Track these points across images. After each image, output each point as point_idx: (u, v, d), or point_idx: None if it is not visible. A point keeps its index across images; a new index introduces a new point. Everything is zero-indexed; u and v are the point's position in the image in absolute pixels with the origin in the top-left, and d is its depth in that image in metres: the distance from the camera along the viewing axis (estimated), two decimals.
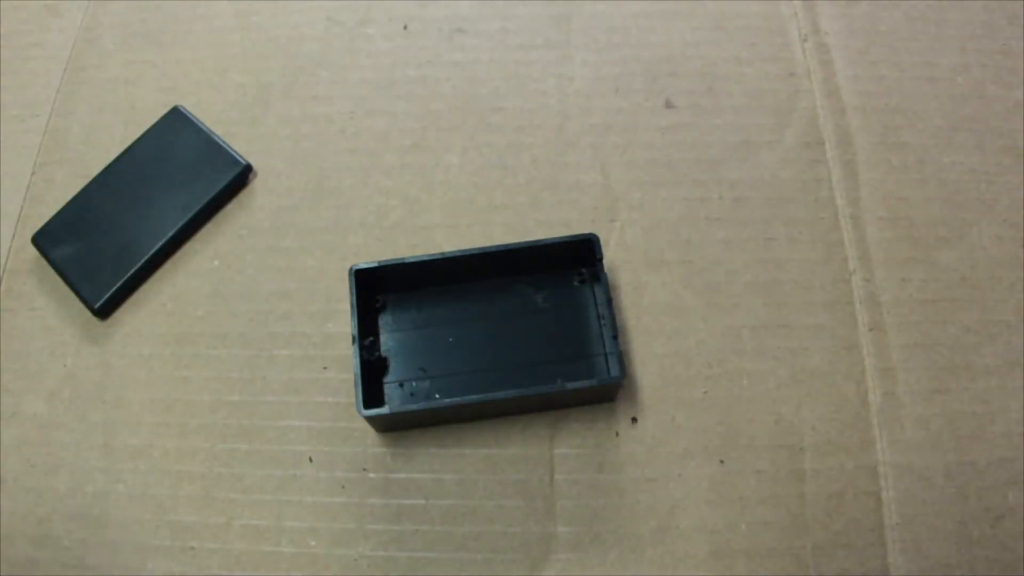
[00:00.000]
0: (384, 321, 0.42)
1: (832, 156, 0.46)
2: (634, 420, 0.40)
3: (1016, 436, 0.39)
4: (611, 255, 0.43)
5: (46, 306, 0.44)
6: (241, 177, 0.46)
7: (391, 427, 0.40)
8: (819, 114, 0.47)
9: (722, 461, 0.39)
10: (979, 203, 0.44)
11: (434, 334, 0.41)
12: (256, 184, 0.47)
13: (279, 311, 0.43)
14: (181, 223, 0.45)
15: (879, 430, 0.39)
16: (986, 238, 0.43)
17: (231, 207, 0.46)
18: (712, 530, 0.38)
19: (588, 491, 0.39)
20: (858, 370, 0.41)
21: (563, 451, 0.39)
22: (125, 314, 0.44)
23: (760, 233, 0.44)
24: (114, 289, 0.43)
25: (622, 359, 0.37)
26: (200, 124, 0.47)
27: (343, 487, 0.39)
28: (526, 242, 0.40)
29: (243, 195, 0.47)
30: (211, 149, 0.47)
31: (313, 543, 0.38)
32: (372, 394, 0.38)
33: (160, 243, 0.44)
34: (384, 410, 0.36)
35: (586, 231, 0.40)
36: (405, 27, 0.51)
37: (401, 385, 0.40)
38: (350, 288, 0.39)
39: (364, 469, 0.39)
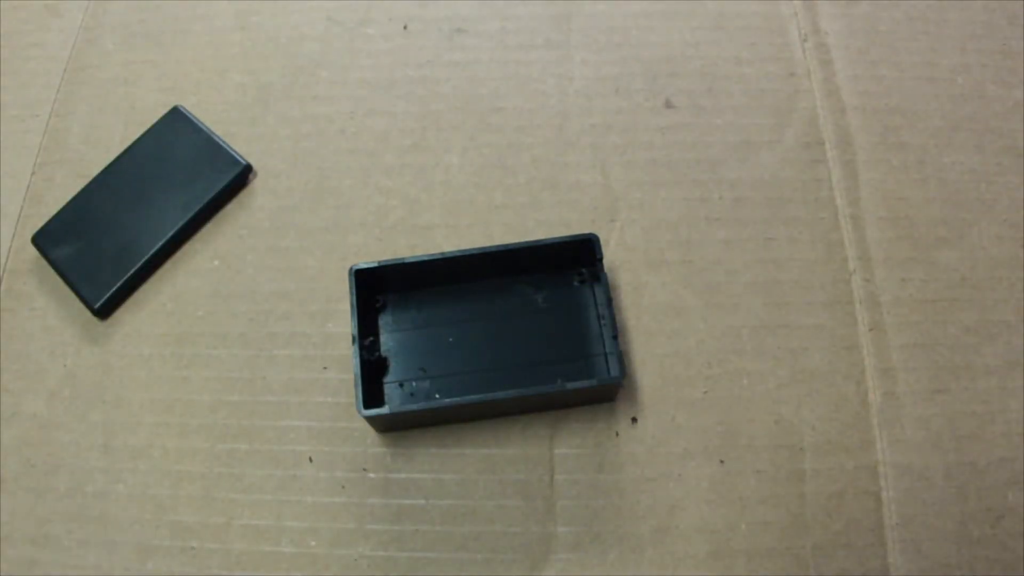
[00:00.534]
0: (384, 321, 0.42)
1: (832, 156, 0.46)
2: (634, 420, 0.40)
3: (1016, 436, 0.39)
4: (611, 255, 0.43)
5: (46, 306, 0.44)
6: (241, 177, 0.46)
7: (391, 427, 0.40)
8: (819, 114, 0.47)
9: (722, 461, 0.39)
10: (979, 203, 0.44)
11: (434, 334, 0.41)
12: (256, 184, 0.47)
13: (279, 311, 0.43)
14: (181, 223, 0.45)
15: (879, 430, 0.39)
16: (986, 238, 0.43)
17: (231, 207, 0.46)
18: (712, 530, 0.38)
19: (588, 491, 0.39)
20: (858, 370, 0.41)
21: (563, 451, 0.39)
22: (125, 314, 0.44)
23: (760, 233, 0.44)
24: (114, 289, 0.43)
25: (622, 359, 0.37)
26: (200, 124, 0.47)
27: (343, 487, 0.39)
28: (526, 242, 0.40)
29: (243, 195, 0.47)
30: (211, 149, 0.47)
31: (313, 543, 0.38)
32: (372, 394, 0.38)
33: (160, 243, 0.44)
34: (384, 410, 0.36)
35: (586, 231, 0.40)
36: (405, 27, 0.51)
37: (401, 385, 0.40)
38: (350, 288, 0.39)
39: (364, 469, 0.39)
